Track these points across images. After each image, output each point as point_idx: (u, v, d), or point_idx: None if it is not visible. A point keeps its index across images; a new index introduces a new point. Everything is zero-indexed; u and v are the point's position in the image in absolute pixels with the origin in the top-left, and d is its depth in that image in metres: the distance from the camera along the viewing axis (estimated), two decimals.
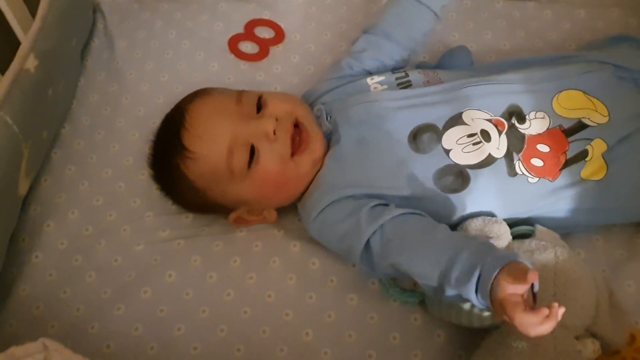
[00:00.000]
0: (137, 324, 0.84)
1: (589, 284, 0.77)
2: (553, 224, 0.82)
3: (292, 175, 0.84)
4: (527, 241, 0.79)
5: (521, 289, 0.64)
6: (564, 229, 0.83)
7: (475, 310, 0.76)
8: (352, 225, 0.80)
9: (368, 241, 0.78)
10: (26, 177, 0.89)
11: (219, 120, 0.84)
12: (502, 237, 0.78)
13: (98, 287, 0.87)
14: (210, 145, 0.83)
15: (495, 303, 0.66)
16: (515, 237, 0.80)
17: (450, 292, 0.71)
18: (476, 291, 0.68)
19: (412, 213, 0.79)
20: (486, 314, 0.75)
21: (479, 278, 0.68)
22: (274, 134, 0.82)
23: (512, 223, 0.81)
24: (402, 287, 0.84)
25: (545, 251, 0.77)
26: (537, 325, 0.62)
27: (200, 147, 0.83)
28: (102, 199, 0.95)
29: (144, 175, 0.95)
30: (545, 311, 0.61)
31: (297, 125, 0.85)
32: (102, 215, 0.93)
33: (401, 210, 0.79)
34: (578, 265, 0.78)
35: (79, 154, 0.99)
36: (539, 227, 0.81)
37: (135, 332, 0.83)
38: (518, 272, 0.65)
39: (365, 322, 0.83)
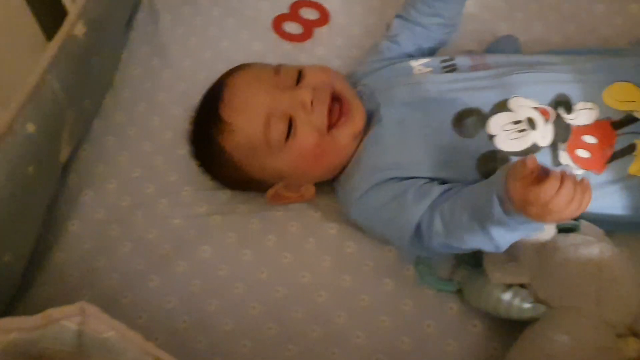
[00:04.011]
0: (170, 297, 0.84)
1: (633, 282, 0.75)
2: (597, 220, 0.80)
3: (330, 148, 0.83)
4: (572, 235, 0.77)
5: (520, 172, 0.63)
6: (608, 225, 0.81)
7: (515, 302, 0.74)
8: (399, 209, 0.78)
9: (418, 223, 0.77)
10: (68, 144, 0.90)
11: (256, 92, 0.83)
12: (547, 229, 0.76)
13: (133, 259, 0.87)
14: (247, 117, 0.82)
15: (517, 205, 0.64)
16: (560, 230, 0.78)
17: (496, 232, 0.69)
18: (504, 211, 0.66)
19: (454, 187, 0.78)
20: (526, 306, 0.74)
21: (498, 196, 0.67)
22: (311, 104, 0.81)
23: None
24: (440, 275, 0.82)
25: (590, 246, 0.75)
26: (556, 187, 0.61)
27: (237, 119, 0.83)
28: (140, 172, 0.95)
29: (183, 150, 0.95)
30: (556, 172, 0.61)
31: (338, 99, 0.84)
32: (139, 188, 0.93)
33: (447, 186, 0.78)
34: (623, 263, 0.76)
35: (119, 125, 0.99)
36: (583, 222, 0.79)
37: (167, 305, 0.83)
38: (516, 164, 0.65)
39: (400, 308, 0.82)
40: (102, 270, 0.86)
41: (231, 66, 0.93)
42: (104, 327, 0.63)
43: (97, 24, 0.92)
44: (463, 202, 0.73)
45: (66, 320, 0.62)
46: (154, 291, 0.84)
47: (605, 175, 0.80)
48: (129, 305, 0.84)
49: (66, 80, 0.84)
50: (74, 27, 0.87)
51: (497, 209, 0.67)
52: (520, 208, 0.65)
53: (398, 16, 0.96)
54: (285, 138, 0.82)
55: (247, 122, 0.82)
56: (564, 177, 0.62)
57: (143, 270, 0.86)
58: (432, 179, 0.80)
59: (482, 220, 0.70)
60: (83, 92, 0.91)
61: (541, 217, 0.65)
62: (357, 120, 0.84)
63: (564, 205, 0.62)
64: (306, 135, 0.82)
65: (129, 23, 1.09)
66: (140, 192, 0.93)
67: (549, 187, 0.62)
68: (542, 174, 0.63)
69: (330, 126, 0.83)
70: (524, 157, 0.65)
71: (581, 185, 0.63)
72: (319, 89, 0.83)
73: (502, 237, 0.71)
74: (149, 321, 0.83)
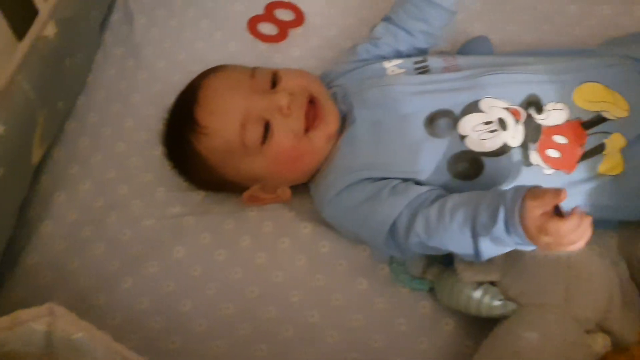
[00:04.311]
0: (143, 297, 0.84)
1: (602, 279, 0.76)
2: None
3: (306, 150, 0.83)
4: None
5: (549, 203, 0.65)
6: None
7: (485, 300, 0.75)
8: (373, 210, 0.78)
9: (394, 223, 0.77)
10: (40, 146, 0.89)
11: (231, 94, 0.83)
12: None
13: (106, 260, 0.87)
14: (223, 120, 0.82)
15: (528, 231, 0.66)
16: None
17: (483, 244, 0.70)
18: (507, 229, 0.68)
19: (432, 189, 0.79)
20: (496, 303, 0.75)
21: (505, 214, 0.68)
22: (288, 108, 0.81)
23: None
24: (412, 273, 0.83)
25: None
26: (576, 227, 0.63)
27: (213, 122, 0.82)
28: (115, 172, 0.95)
29: (157, 151, 0.95)
30: (576, 216, 0.63)
31: (312, 102, 0.84)
32: (113, 189, 0.93)
33: (426, 188, 0.78)
34: (592, 260, 0.77)
35: (94, 126, 0.99)
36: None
37: (140, 306, 0.83)
38: (541, 192, 0.66)
39: (373, 306, 0.82)
40: (75, 272, 0.86)
41: (206, 67, 0.93)
42: (73, 328, 0.63)
43: (69, 24, 0.92)
44: (457, 209, 0.73)
45: (34, 322, 0.62)
46: (128, 292, 0.84)
47: (576, 175, 0.81)
48: (103, 306, 0.84)
49: (37, 81, 0.83)
50: (44, 26, 0.87)
51: (500, 226, 0.68)
52: (533, 235, 0.66)
53: (384, 19, 0.96)
54: (262, 142, 0.82)
55: (223, 125, 0.82)
56: (582, 216, 0.65)
57: (116, 271, 0.86)
58: (405, 180, 0.81)
59: (476, 231, 0.71)
60: (56, 93, 0.91)
61: (549, 247, 0.66)
62: (330, 123, 0.84)
63: (576, 242, 0.65)
64: (283, 139, 0.82)
65: (103, 24, 1.08)
66: (114, 193, 0.93)
67: (571, 224, 0.64)
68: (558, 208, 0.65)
69: (307, 129, 0.83)
70: (555, 188, 0.66)
71: (588, 222, 0.65)
72: (295, 93, 0.83)
73: (490, 249, 0.72)
74: (122, 322, 0.82)
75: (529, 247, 0.69)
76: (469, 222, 0.71)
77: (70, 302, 0.83)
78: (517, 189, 0.69)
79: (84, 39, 1.00)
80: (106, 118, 1.00)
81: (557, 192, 0.65)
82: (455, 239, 0.73)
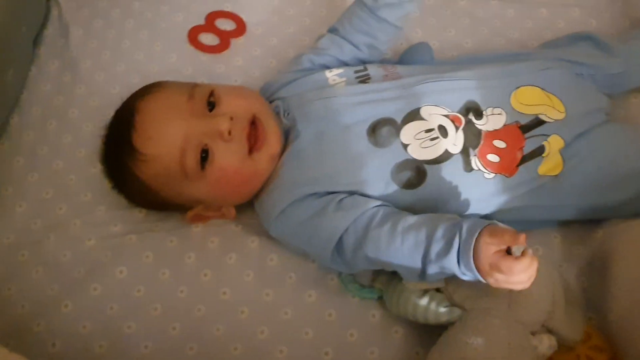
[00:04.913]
0: (86, 321, 0.81)
1: (544, 280, 0.76)
2: (510, 220, 0.81)
3: (250, 173, 0.82)
4: None
5: (506, 243, 0.67)
6: (521, 225, 0.82)
7: (432, 307, 0.75)
8: (320, 225, 0.78)
9: (340, 239, 0.77)
10: None
11: (169, 119, 0.80)
12: None
13: (45, 284, 0.84)
14: (162, 146, 0.80)
15: (480, 266, 0.68)
16: None
17: (432, 269, 0.72)
18: (458, 261, 0.69)
19: (379, 205, 0.78)
20: (442, 310, 0.75)
21: (459, 247, 0.69)
22: (229, 133, 0.79)
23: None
24: (361, 283, 0.82)
25: None
26: (527, 268, 0.66)
27: (151, 148, 0.80)
28: (52, 192, 0.92)
29: (97, 168, 0.92)
30: (527, 256, 0.66)
31: (253, 123, 0.83)
32: (51, 209, 0.90)
33: (372, 203, 0.78)
34: None
35: (29, 145, 0.96)
36: (495, 222, 0.80)
37: (83, 330, 0.81)
38: (501, 232, 0.68)
39: (323, 319, 0.82)
40: (11, 298, 0.83)
41: (146, 80, 0.91)
42: None
43: None
44: (409, 232, 0.74)
45: None
46: (69, 316, 0.82)
47: (516, 178, 0.82)
48: (42, 333, 0.81)
49: None
50: None
51: (453, 257, 0.70)
52: (484, 271, 0.68)
53: (330, 30, 0.96)
54: (202, 167, 0.80)
55: (161, 151, 0.80)
56: (533, 257, 0.67)
57: (56, 295, 0.83)
58: (351, 193, 0.80)
59: (428, 258, 0.72)
60: None
61: (497, 283, 0.68)
62: (273, 143, 0.83)
63: (524, 282, 0.68)
64: (225, 164, 0.80)
65: (36, 38, 1.05)
66: (52, 213, 0.90)
67: (523, 265, 0.66)
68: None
69: (250, 151, 0.82)
70: (514, 230, 0.69)
71: (537, 263, 0.68)
72: (236, 117, 0.81)
73: (435, 274, 0.73)
74: (63, 348, 0.80)
75: (474, 279, 0.70)
76: (421, 248, 0.72)
77: (7, 331, 0.81)
78: (474, 223, 0.71)
79: (14, 55, 0.96)
80: (42, 136, 0.96)
81: (516, 235, 0.67)
82: (404, 262, 0.74)
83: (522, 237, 0.67)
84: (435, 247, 0.71)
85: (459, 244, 0.70)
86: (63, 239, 0.87)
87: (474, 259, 0.68)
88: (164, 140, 0.80)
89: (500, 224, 0.71)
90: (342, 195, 0.79)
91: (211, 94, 0.83)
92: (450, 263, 0.70)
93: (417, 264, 0.73)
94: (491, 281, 0.69)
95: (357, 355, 0.80)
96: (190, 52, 1.05)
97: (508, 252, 0.67)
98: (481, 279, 0.69)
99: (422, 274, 0.73)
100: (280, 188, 0.82)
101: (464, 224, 0.71)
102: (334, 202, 0.78)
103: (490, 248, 0.68)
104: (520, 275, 0.67)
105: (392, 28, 0.94)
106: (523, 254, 0.67)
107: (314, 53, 0.94)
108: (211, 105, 0.82)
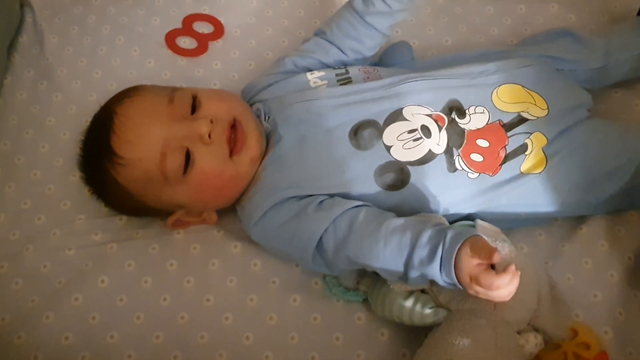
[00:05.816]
0: (67, 332, 0.80)
1: (530, 278, 0.76)
2: (495, 219, 0.81)
3: (231, 176, 0.81)
4: None
5: (486, 260, 0.67)
6: (506, 224, 0.83)
7: (417, 308, 0.75)
8: (300, 226, 0.77)
9: (320, 239, 0.76)
10: None
11: (150, 123, 0.79)
12: None
13: (25, 295, 0.83)
14: (142, 150, 0.79)
15: (461, 277, 0.68)
16: None
17: (413, 274, 0.72)
18: (440, 270, 0.69)
19: (361, 205, 0.78)
20: (427, 311, 0.75)
21: (442, 256, 0.69)
22: (209, 136, 0.79)
23: (453, 220, 0.80)
24: (345, 285, 0.82)
25: None
26: (507, 284, 0.66)
27: (131, 152, 0.79)
28: (30, 202, 0.90)
29: (75, 176, 0.91)
30: (509, 272, 0.66)
31: (234, 126, 0.82)
32: (30, 219, 0.89)
33: (353, 203, 0.77)
34: (518, 259, 0.77)
35: (5, 154, 0.94)
36: (479, 221, 0.80)
37: (65, 342, 0.80)
38: (479, 247, 0.68)
39: (309, 323, 0.81)
40: None
41: (124, 85, 0.90)
42: None
43: None
44: (392, 235, 0.73)
45: None
46: (50, 328, 0.80)
47: (500, 176, 0.81)
48: (23, 346, 0.80)
49: None
50: None
51: (435, 266, 0.70)
52: (465, 282, 0.68)
53: (317, 34, 0.95)
54: (183, 171, 0.79)
55: (141, 155, 0.79)
56: (515, 274, 0.67)
57: (37, 306, 0.82)
58: (331, 195, 0.79)
59: (410, 263, 0.72)
60: None
61: (478, 294, 0.68)
62: (254, 147, 0.82)
63: (504, 297, 0.68)
64: (207, 166, 0.79)
65: (10, 46, 1.03)
66: (30, 223, 0.89)
67: (504, 281, 0.66)
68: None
69: (231, 154, 0.81)
70: (496, 247, 0.70)
71: (518, 279, 0.67)
72: (217, 118, 0.80)
73: (417, 278, 0.73)
74: None
75: (455, 288, 0.71)
76: (404, 253, 0.72)
77: None
78: (458, 233, 0.70)
79: None
80: (19, 145, 0.95)
81: (493, 253, 0.66)
82: (386, 265, 0.73)
83: (497, 255, 0.66)
84: (419, 254, 0.71)
85: (442, 253, 0.69)
86: (43, 249, 0.86)
87: (455, 269, 0.68)
88: (144, 144, 0.79)
89: (482, 237, 0.70)
90: (322, 197, 0.79)
91: (193, 98, 0.82)
92: (433, 271, 0.70)
93: (399, 267, 0.72)
94: (471, 292, 0.69)
95: (343, 358, 0.79)
96: (168, 56, 1.04)
97: (492, 265, 0.67)
98: (460, 287, 0.69)
99: (404, 277, 0.73)
100: (262, 192, 0.81)
101: (448, 232, 0.71)
102: (314, 203, 0.78)
103: (471, 261, 0.68)
104: (500, 290, 0.67)
105: (380, 35, 0.93)
106: (505, 269, 0.66)
107: (299, 55, 0.93)
108: (193, 109, 0.82)
